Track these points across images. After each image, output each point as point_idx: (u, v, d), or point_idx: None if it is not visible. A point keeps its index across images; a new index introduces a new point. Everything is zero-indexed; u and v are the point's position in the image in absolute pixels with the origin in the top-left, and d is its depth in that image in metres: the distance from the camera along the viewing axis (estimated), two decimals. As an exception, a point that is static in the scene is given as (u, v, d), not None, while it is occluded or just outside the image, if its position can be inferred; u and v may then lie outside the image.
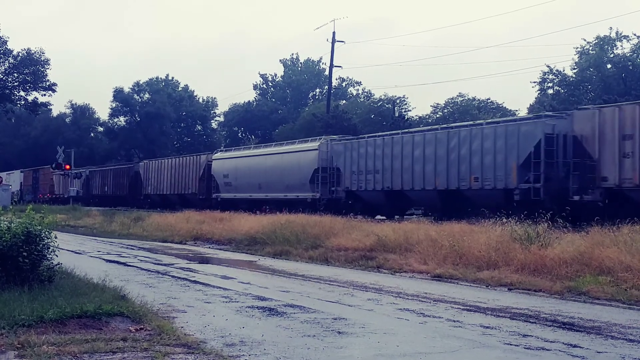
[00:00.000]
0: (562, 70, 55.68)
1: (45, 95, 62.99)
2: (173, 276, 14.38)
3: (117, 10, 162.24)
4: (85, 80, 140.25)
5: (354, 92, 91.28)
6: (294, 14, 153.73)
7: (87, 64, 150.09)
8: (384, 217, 27.97)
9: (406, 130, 32.81)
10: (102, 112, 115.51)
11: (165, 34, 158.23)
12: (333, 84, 65.40)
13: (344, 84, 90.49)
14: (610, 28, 53.61)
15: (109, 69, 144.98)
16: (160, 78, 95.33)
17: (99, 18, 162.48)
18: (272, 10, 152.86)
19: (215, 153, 42.46)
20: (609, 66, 52.28)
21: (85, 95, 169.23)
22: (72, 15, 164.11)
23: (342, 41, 53.74)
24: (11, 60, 61.58)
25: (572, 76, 54.85)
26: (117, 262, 17.43)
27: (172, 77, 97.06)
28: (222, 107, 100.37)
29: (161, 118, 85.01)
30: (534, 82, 57.38)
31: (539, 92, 58.32)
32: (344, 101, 79.66)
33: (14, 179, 75.44)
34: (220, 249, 22.69)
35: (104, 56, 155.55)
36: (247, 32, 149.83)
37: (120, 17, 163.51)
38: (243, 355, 7.00)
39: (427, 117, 71.54)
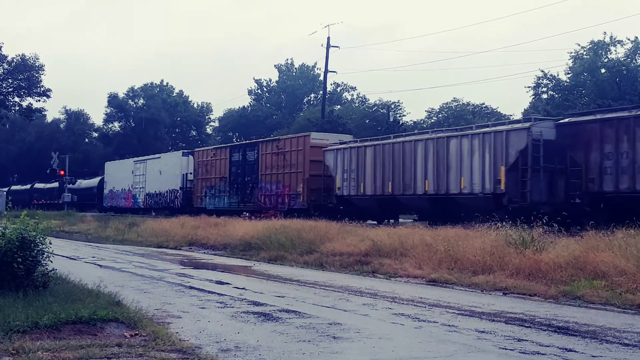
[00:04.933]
0: (556, 75, 55.92)
1: (39, 100, 62.81)
2: (168, 282, 14.36)
3: (111, 18, 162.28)
4: (79, 86, 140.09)
5: (349, 97, 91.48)
6: (289, 20, 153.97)
7: (81, 70, 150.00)
8: None
9: None
10: (97, 117, 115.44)
11: (160, 40, 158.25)
12: (328, 89, 65.43)
13: (338, 89, 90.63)
14: (605, 33, 53.68)
15: (103, 75, 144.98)
16: (155, 83, 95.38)
17: (94, 25, 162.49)
18: (267, 16, 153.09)
19: None
20: (603, 71, 52.48)
21: (79, 101, 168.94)
22: (66, 22, 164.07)
23: (337, 46, 53.83)
24: (5, 66, 61.35)
25: (566, 81, 55.03)
26: (112, 268, 17.38)
27: (167, 83, 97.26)
28: (217, 113, 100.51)
29: (156, 123, 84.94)
30: (529, 87, 57.61)
31: (533, 96, 58.53)
32: (339, 106, 79.77)
33: (167, 164, 44.31)
34: (215, 254, 22.67)
35: (98, 62, 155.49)
36: (242, 38, 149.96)
37: (114, 25, 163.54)
38: (238, 360, 6.99)
39: (422, 122, 71.75)
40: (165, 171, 44.37)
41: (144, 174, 47.31)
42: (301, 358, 7.18)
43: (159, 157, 47.75)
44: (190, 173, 41.68)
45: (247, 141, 40.52)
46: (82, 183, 61.85)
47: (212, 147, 43.06)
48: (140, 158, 50.57)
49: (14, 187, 74.76)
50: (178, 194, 42.72)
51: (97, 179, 58.89)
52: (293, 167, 32.15)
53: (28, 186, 71.83)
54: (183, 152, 44.91)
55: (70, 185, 61.61)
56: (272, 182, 33.65)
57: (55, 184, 64.76)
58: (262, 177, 34.44)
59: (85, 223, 38.83)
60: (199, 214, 34.14)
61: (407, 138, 27.03)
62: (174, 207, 42.50)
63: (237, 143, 41.40)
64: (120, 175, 51.69)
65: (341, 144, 30.58)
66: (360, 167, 28.40)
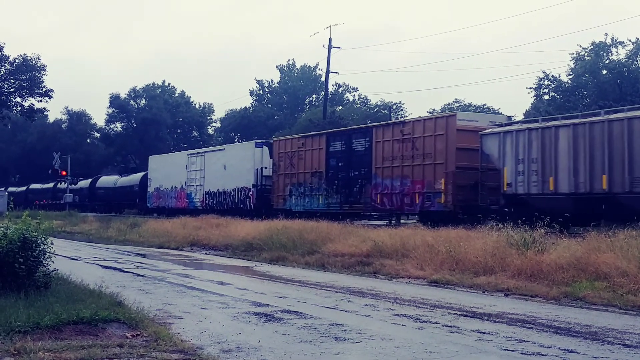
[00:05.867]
0: (557, 76, 55.85)
1: (41, 101, 62.90)
2: (169, 282, 14.36)
3: (113, 19, 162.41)
4: (81, 87, 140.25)
5: (351, 98, 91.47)
6: (291, 21, 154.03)
7: (83, 70, 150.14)
8: None
9: None
10: (99, 118, 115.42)
11: (162, 41, 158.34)
12: (329, 89, 65.40)
13: (340, 90, 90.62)
14: (606, 34, 53.57)
15: (105, 76, 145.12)
16: (157, 84, 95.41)
17: (96, 26, 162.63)
18: (269, 17, 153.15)
19: None
20: (604, 72, 52.40)
21: (81, 102, 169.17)
22: (68, 23, 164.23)
23: (339, 47, 53.79)
24: (7, 67, 61.47)
25: (567, 82, 54.95)
26: (114, 268, 17.40)
27: (169, 83, 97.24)
28: (219, 113, 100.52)
29: (157, 124, 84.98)
30: (530, 88, 57.45)
31: (534, 97, 58.45)
32: (341, 107, 79.76)
33: (235, 157, 37.74)
34: (216, 255, 22.67)
35: (100, 63, 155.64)
36: (243, 38, 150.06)
37: (116, 25, 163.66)
38: (240, 361, 6.99)
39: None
40: (232, 165, 37.01)
41: (201, 169, 40.14)
42: (303, 358, 7.19)
43: (223, 149, 40.42)
44: (266, 168, 34.75)
45: (355, 126, 32.51)
46: (119, 180, 55.71)
47: (299, 135, 34.51)
48: (197, 150, 43.63)
49: (33, 186, 72.31)
50: (250, 192, 35.45)
51: (139, 175, 51.68)
52: (428, 158, 24.93)
53: (51, 185, 67.21)
54: (256, 142, 37.00)
55: (105, 184, 56.71)
56: (394, 177, 26.31)
57: (85, 183, 60.34)
58: (378, 171, 27.15)
59: (87, 223, 38.87)
60: (280, 216, 28.37)
61: (635, 113, 19.27)
62: (244, 208, 35.24)
63: (338, 129, 33.16)
64: (169, 170, 44.05)
65: (507, 125, 23.03)
66: (548, 155, 20.77)
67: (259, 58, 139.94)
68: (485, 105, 72.81)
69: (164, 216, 40.50)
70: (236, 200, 36.56)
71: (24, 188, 73.59)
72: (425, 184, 24.97)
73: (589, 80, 53.13)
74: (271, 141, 36.01)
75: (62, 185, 61.53)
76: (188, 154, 43.13)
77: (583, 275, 12.78)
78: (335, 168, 29.74)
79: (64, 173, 53.90)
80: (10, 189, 76.13)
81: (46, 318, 7.82)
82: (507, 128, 22.42)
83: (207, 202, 39.42)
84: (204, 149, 44.08)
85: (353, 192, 28.66)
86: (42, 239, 9.85)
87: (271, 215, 29.69)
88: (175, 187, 43.41)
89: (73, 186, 58.34)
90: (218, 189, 38.36)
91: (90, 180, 60.67)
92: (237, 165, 36.65)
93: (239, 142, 71.93)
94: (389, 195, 26.65)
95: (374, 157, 27.46)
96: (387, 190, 26.70)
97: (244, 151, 37.13)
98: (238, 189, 36.43)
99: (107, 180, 58.73)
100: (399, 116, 69.44)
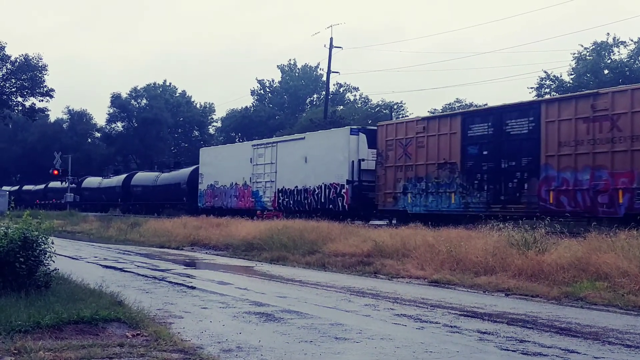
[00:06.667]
0: (559, 76, 55.85)
1: (42, 100, 62.86)
2: (170, 282, 14.36)
3: (114, 19, 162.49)
4: (82, 86, 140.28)
5: (352, 98, 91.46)
6: (292, 21, 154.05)
7: (84, 70, 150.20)
8: None
9: None
10: (100, 117, 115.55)
11: (163, 41, 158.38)
12: (330, 89, 65.36)
13: (341, 90, 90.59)
14: (608, 34, 53.67)
15: (106, 75, 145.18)
16: (158, 84, 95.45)
17: (97, 26, 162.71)
18: (270, 17, 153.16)
19: None
20: (606, 72, 52.40)
21: (82, 101, 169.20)
22: (70, 23, 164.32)
23: (340, 47, 53.76)
24: (9, 66, 61.46)
25: (569, 82, 54.95)
26: (114, 268, 17.40)
27: (170, 83, 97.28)
28: (220, 113, 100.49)
29: (158, 124, 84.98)
30: (531, 88, 57.48)
31: (536, 97, 58.44)
32: (342, 107, 79.73)
33: (321, 146, 30.55)
34: (217, 255, 22.68)
35: (101, 62, 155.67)
36: (245, 38, 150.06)
37: (117, 25, 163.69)
38: (240, 361, 6.99)
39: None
40: (316, 157, 30.61)
41: (272, 162, 33.58)
42: (303, 358, 7.18)
43: (303, 138, 32.87)
44: (364, 160, 28.31)
45: (510, 103, 24.15)
46: (161, 177, 48.48)
47: (418, 117, 27.94)
48: (266, 140, 37.20)
49: (52, 184, 70.85)
50: (343, 190, 28.81)
51: (187, 170, 44.62)
52: (638, 142, 18.60)
53: (73, 184, 61.54)
54: (352, 128, 30.06)
55: (143, 182, 50.86)
56: (579, 168, 19.81)
57: (117, 181, 55.46)
58: (550, 161, 20.64)
59: (88, 223, 38.89)
60: (387, 219, 22.92)
61: None
62: (334, 209, 28.86)
63: (481, 108, 27.17)
64: (227, 164, 37.54)
65: None
66: None
67: (260, 58, 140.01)
68: (486, 105, 72.73)
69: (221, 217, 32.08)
70: (322, 200, 30.04)
71: (43, 186, 72.53)
72: (634, 177, 18.63)
73: (591, 80, 53.12)
74: (372, 127, 29.93)
75: (82, 185, 59.70)
76: (253, 145, 36.42)
77: (584, 275, 12.78)
78: (477, 157, 23.17)
79: (62, 172, 53.83)
80: (26, 187, 75.70)
81: (46, 317, 7.82)
82: None
83: (280, 201, 32.92)
84: (275, 139, 37.77)
85: (508, 188, 22.13)
86: (43, 238, 9.85)
87: (374, 217, 24.48)
88: (235, 183, 36.70)
89: (73, 185, 56.64)
90: (296, 186, 31.77)
91: (123, 177, 55.19)
92: (323, 157, 30.15)
93: (240, 141, 69.24)
94: (571, 192, 20.06)
95: (544, 142, 20.90)
96: (567, 186, 20.16)
97: (335, 139, 30.10)
98: (325, 185, 29.87)
99: (145, 177, 52.60)
100: (400, 116, 69.40)
